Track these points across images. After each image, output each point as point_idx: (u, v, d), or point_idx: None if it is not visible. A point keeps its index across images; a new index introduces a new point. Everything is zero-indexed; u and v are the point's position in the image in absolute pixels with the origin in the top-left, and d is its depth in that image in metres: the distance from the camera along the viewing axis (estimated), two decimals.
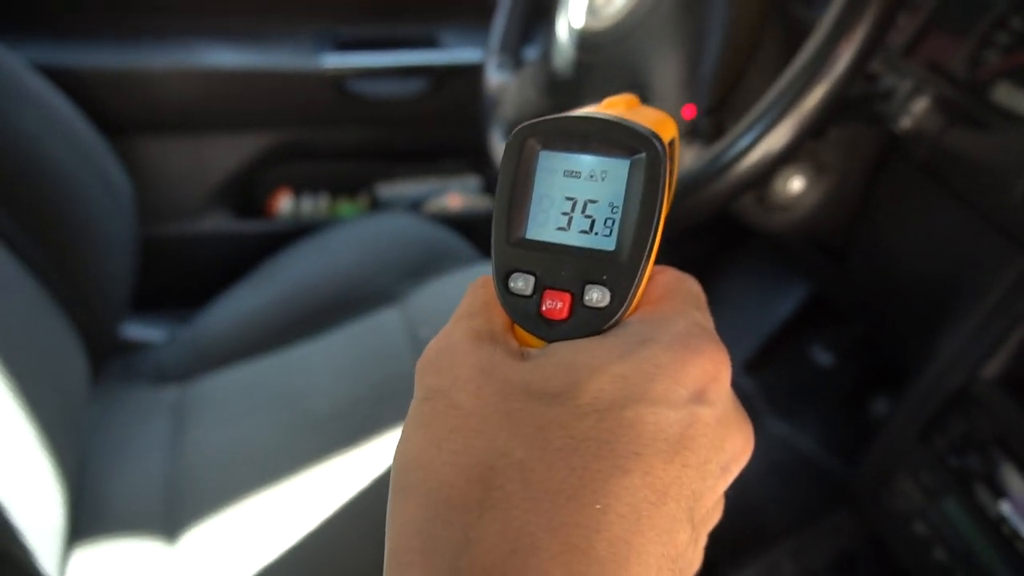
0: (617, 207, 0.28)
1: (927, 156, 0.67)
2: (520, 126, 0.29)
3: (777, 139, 0.52)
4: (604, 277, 0.28)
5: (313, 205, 1.35)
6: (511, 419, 0.25)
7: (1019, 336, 0.61)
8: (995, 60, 0.64)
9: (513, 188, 0.29)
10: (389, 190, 1.38)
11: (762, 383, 1.15)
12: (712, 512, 0.29)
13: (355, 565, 0.72)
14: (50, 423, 0.73)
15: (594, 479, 0.24)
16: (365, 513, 0.75)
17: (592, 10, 0.71)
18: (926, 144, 0.66)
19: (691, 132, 0.63)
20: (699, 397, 0.26)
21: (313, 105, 1.27)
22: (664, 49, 0.65)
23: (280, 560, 0.72)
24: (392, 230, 1.15)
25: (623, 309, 0.28)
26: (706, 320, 0.29)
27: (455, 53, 1.30)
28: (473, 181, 1.42)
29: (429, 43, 1.32)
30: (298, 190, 1.36)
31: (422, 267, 1.07)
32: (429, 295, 1.00)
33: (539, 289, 0.28)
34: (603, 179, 0.28)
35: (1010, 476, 0.61)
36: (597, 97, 0.69)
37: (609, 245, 0.28)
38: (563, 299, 0.28)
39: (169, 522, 0.77)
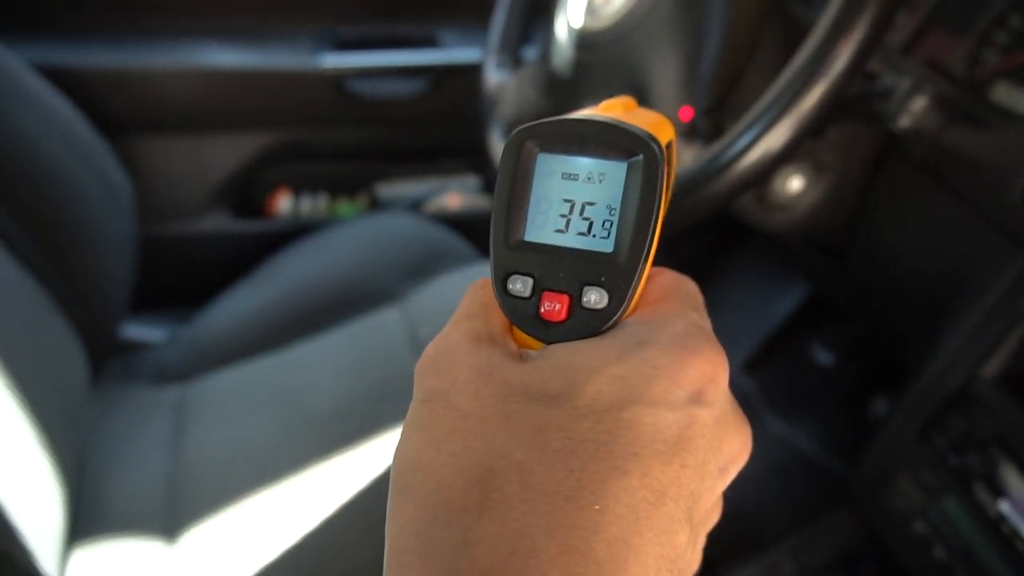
0: (615, 209, 0.28)
1: (926, 155, 0.67)
2: (518, 129, 0.29)
3: (776, 138, 0.52)
4: (602, 279, 0.28)
5: (312, 205, 1.35)
6: (510, 421, 0.25)
7: (1019, 335, 0.61)
8: (994, 59, 0.64)
9: (511, 190, 0.29)
10: (388, 190, 1.38)
11: (762, 382, 1.15)
12: (710, 513, 0.29)
13: (355, 564, 0.72)
14: (50, 423, 0.73)
15: (592, 480, 0.24)
16: (365, 513, 0.75)
17: (591, 10, 0.71)
18: (925, 143, 0.66)
19: (690, 132, 0.63)
20: (697, 398, 0.26)
21: (312, 105, 1.27)
22: (663, 49, 0.65)
23: (280, 560, 0.73)
24: (391, 230, 1.15)
25: (621, 311, 0.28)
26: (704, 321, 0.29)
27: (454, 53, 1.30)
28: (472, 181, 1.42)
29: (428, 43, 1.32)
30: (297, 190, 1.36)
31: (421, 267, 1.07)
32: (428, 295, 1.00)
33: (537, 291, 0.28)
34: (601, 181, 0.28)
35: (1009, 475, 0.61)
36: (596, 96, 0.70)
37: (607, 247, 0.28)
38: (561, 301, 0.28)
39: (169, 522, 0.77)
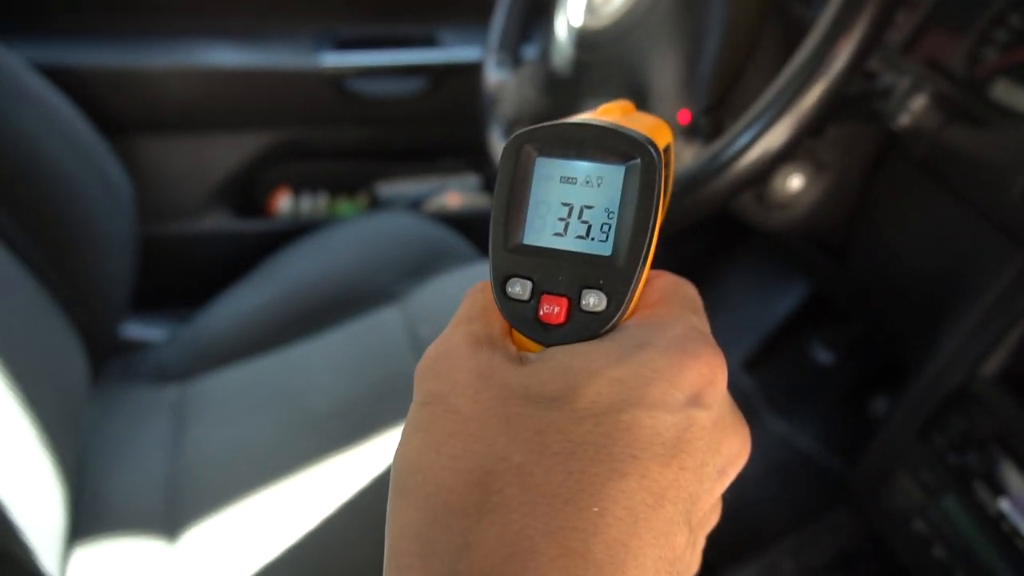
0: (613, 212, 0.28)
1: (926, 154, 0.67)
2: (516, 133, 0.29)
3: (776, 137, 0.52)
4: (601, 282, 0.28)
5: (312, 204, 1.35)
6: (509, 423, 0.25)
7: (1018, 334, 0.61)
8: (994, 57, 0.64)
9: (510, 194, 0.29)
10: (388, 189, 1.38)
11: (762, 381, 1.15)
12: (709, 515, 0.29)
13: (355, 564, 0.72)
14: (50, 422, 0.73)
15: (591, 482, 0.24)
16: (365, 512, 0.75)
17: (591, 9, 0.71)
18: (925, 141, 0.66)
19: (690, 131, 0.63)
20: (696, 401, 0.26)
21: (312, 104, 1.27)
22: (663, 48, 0.65)
23: (280, 559, 0.73)
24: (391, 229, 1.15)
25: (620, 313, 0.28)
26: (703, 324, 0.29)
27: (454, 52, 1.30)
28: (472, 180, 1.42)
29: (428, 42, 1.32)
30: (297, 189, 1.36)
31: (421, 266, 1.07)
32: (428, 294, 1.00)
33: (536, 294, 0.28)
34: (599, 185, 0.28)
35: (1009, 474, 0.61)
36: (596, 95, 0.70)
37: (605, 250, 0.28)
38: (560, 304, 0.28)
39: (169, 521, 0.77)
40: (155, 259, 1.20)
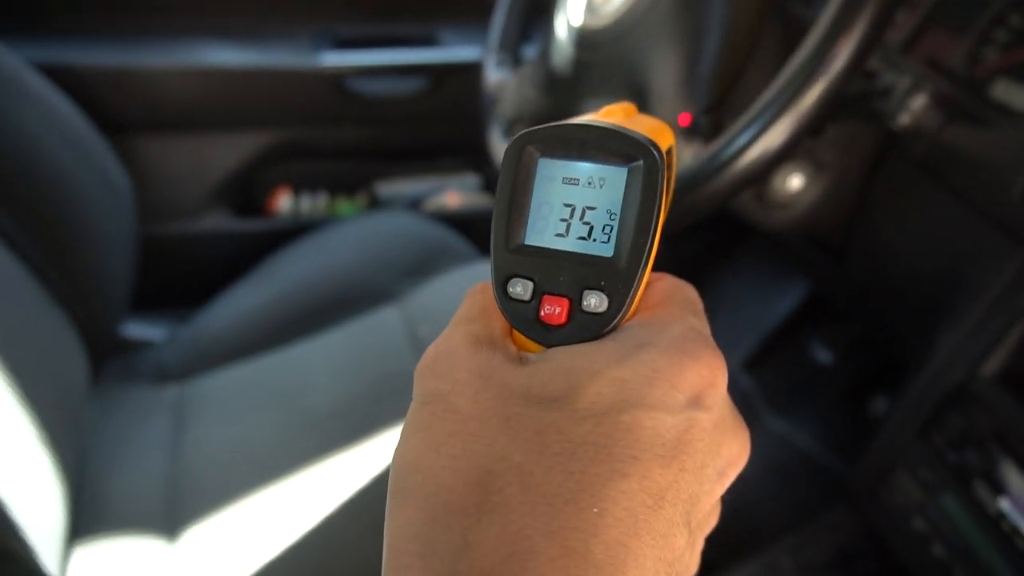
0: (615, 214, 0.28)
1: (925, 153, 0.67)
2: (519, 134, 0.29)
3: (775, 137, 0.52)
4: (602, 283, 0.28)
5: (312, 204, 1.35)
6: (509, 423, 0.25)
7: (1018, 333, 0.61)
8: (994, 57, 0.64)
9: (512, 195, 0.29)
10: (388, 188, 1.38)
11: (761, 381, 1.15)
12: (709, 516, 0.29)
13: (355, 563, 0.72)
14: (50, 422, 0.73)
15: (592, 483, 0.24)
16: (365, 511, 0.75)
17: (591, 8, 0.71)
18: (924, 141, 0.66)
19: (690, 130, 0.63)
20: (696, 402, 0.26)
21: (312, 104, 1.27)
22: (663, 47, 0.65)
23: (280, 558, 0.73)
24: (391, 228, 1.16)
25: (621, 314, 0.28)
26: (703, 326, 0.29)
27: (454, 52, 1.30)
28: (472, 179, 1.42)
29: (428, 42, 1.32)
30: (297, 189, 1.36)
31: (421, 265, 1.07)
32: (428, 293, 1.00)
33: (537, 294, 0.28)
34: (601, 186, 0.29)
35: (1009, 472, 0.61)
36: (596, 95, 0.70)
37: (607, 251, 0.28)
38: (561, 304, 0.28)
39: (170, 520, 0.77)
40: (155, 259, 1.20)
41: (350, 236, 1.14)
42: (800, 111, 0.52)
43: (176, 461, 0.82)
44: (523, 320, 0.29)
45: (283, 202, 1.34)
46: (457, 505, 0.24)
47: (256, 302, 1.05)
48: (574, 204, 0.29)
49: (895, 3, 0.51)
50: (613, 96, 0.67)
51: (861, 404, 1.07)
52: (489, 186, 1.41)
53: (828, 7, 0.51)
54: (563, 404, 0.25)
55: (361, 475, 0.77)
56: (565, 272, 0.28)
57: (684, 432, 0.25)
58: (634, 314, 0.29)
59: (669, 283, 0.31)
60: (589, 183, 0.29)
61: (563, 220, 0.29)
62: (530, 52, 0.87)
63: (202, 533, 0.75)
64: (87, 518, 0.77)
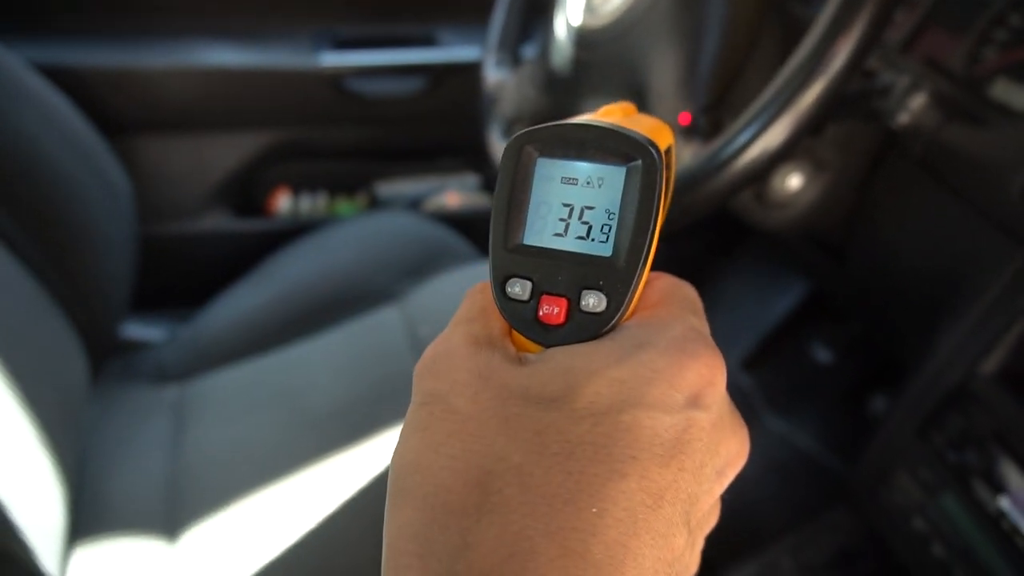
0: (614, 213, 0.28)
1: (924, 152, 0.67)
2: (517, 134, 0.29)
3: (775, 136, 0.52)
4: (600, 283, 0.28)
5: (312, 204, 1.35)
6: (508, 424, 0.25)
7: (1017, 332, 0.61)
8: (993, 56, 0.64)
9: (511, 194, 0.29)
10: (387, 188, 1.38)
11: (761, 381, 1.15)
12: (708, 516, 0.29)
13: (354, 563, 0.72)
14: (50, 422, 0.73)
15: (591, 483, 0.24)
16: (364, 512, 0.75)
17: (590, 8, 0.71)
18: (924, 140, 0.66)
19: (689, 129, 0.63)
20: (695, 401, 0.26)
21: (312, 104, 1.27)
22: (662, 47, 0.65)
23: (280, 558, 0.73)
24: (391, 228, 1.16)
25: (619, 314, 0.28)
26: (702, 325, 0.29)
27: (453, 51, 1.30)
28: (471, 179, 1.42)
29: (427, 42, 1.32)
30: (297, 189, 1.36)
31: (421, 265, 1.07)
32: (428, 293, 1.00)
33: (536, 294, 0.28)
34: (600, 186, 0.28)
35: (1008, 471, 0.61)
36: (595, 94, 0.70)
37: (606, 251, 0.28)
38: (560, 304, 0.28)
39: (170, 521, 0.77)
40: (155, 259, 1.20)
41: (350, 236, 1.14)
42: (799, 110, 0.52)
43: (176, 461, 0.82)
44: (522, 320, 0.29)
45: (283, 202, 1.34)
46: (456, 505, 0.24)
47: (256, 302, 1.05)
48: (572, 204, 0.29)
49: (894, 2, 0.51)
50: (613, 95, 0.67)
51: (861, 404, 1.07)
52: (489, 186, 1.41)
53: (827, 6, 0.51)
54: (562, 404, 0.25)
55: (361, 475, 0.77)
56: (564, 272, 0.28)
57: (683, 432, 0.25)
58: (633, 314, 0.29)
59: (668, 282, 0.31)
60: (588, 183, 0.29)
61: (562, 220, 0.29)
62: (529, 52, 0.87)
63: (202, 533, 0.75)
64: (87, 518, 0.77)
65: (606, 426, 0.24)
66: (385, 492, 0.26)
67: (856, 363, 1.12)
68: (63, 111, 0.95)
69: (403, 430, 0.27)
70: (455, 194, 1.39)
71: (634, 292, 0.28)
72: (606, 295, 0.28)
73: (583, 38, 0.71)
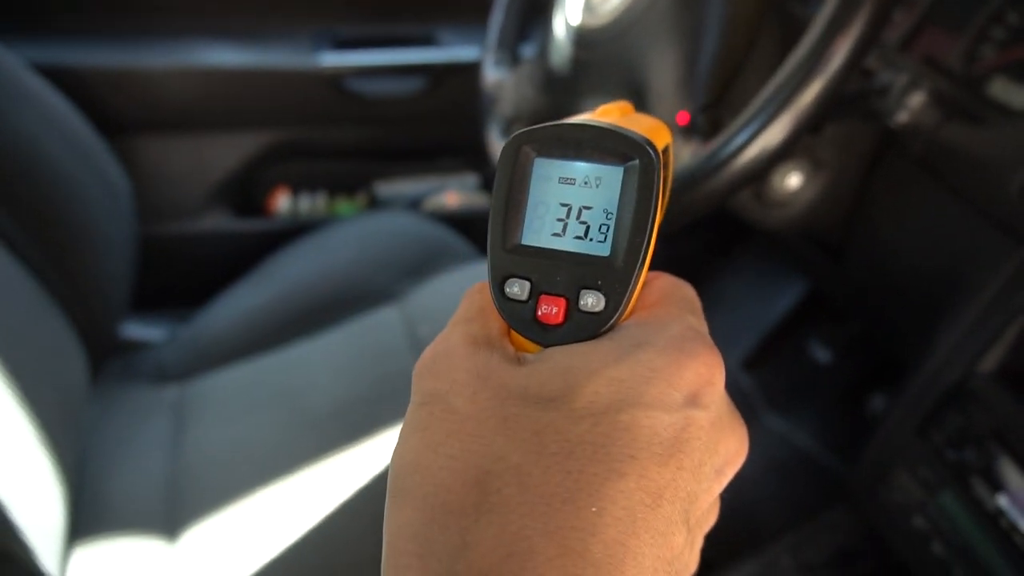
0: (611, 213, 0.28)
1: (923, 151, 0.67)
2: (515, 133, 0.29)
3: (774, 135, 0.52)
4: (599, 282, 0.28)
5: (311, 204, 1.35)
6: (507, 424, 0.25)
7: (1016, 330, 0.61)
8: (991, 55, 0.64)
9: (509, 194, 0.29)
10: (387, 188, 1.38)
11: (760, 380, 1.15)
12: (708, 514, 0.29)
13: (355, 562, 0.72)
14: (50, 422, 0.73)
15: (590, 482, 0.24)
16: (364, 511, 0.76)
17: (589, 7, 0.71)
18: (922, 139, 0.66)
19: (689, 129, 0.63)
20: (693, 400, 0.26)
21: (311, 104, 1.27)
22: (661, 46, 0.65)
23: (280, 558, 0.73)
24: (390, 228, 1.16)
25: (618, 314, 0.28)
26: (701, 325, 0.29)
27: (453, 51, 1.30)
28: (471, 179, 1.42)
29: (427, 41, 1.32)
30: (296, 189, 1.36)
31: (420, 265, 1.07)
32: (427, 293, 1.00)
33: (535, 294, 0.28)
34: (597, 186, 0.29)
35: (1007, 470, 0.61)
36: (594, 94, 0.70)
37: (604, 251, 0.28)
38: (558, 304, 0.28)
39: (170, 521, 0.77)
40: (155, 259, 1.20)
41: (350, 236, 1.14)
42: (798, 109, 0.52)
43: (176, 461, 0.82)
44: (520, 320, 0.29)
45: (282, 202, 1.34)
46: (455, 505, 0.24)
47: (256, 302, 1.05)
48: (570, 204, 0.29)
49: (893, 1, 0.51)
50: (611, 95, 0.67)
51: (860, 402, 1.07)
52: (488, 186, 1.41)
53: (826, 5, 0.51)
54: (561, 404, 0.25)
55: (361, 475, 0.77)
56: (562, 272, 0.28)
57: (681, 431, 0.25)
58: (631, 313, 0.29)
59: (667, 282, 0.31)
60: (585, 182, 0.29)
61: (560, 220, 0.29)
62: (528, 51, 0.87)
63: (202, 533, 0.75)
64: (87, 518, 0.77)
65: (605, 425, 0.25)
66: (385, 491, 0.27)
67: (855, 362, 1.12)
68: (63, 111, 0.95)
69: (402, 430, 0.27)
70: (454, 194, 1.39)
71: (632, 292, 0.28)
72: (604, 295, 0.28)
73: (582, 38, 0.71)
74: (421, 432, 0.26)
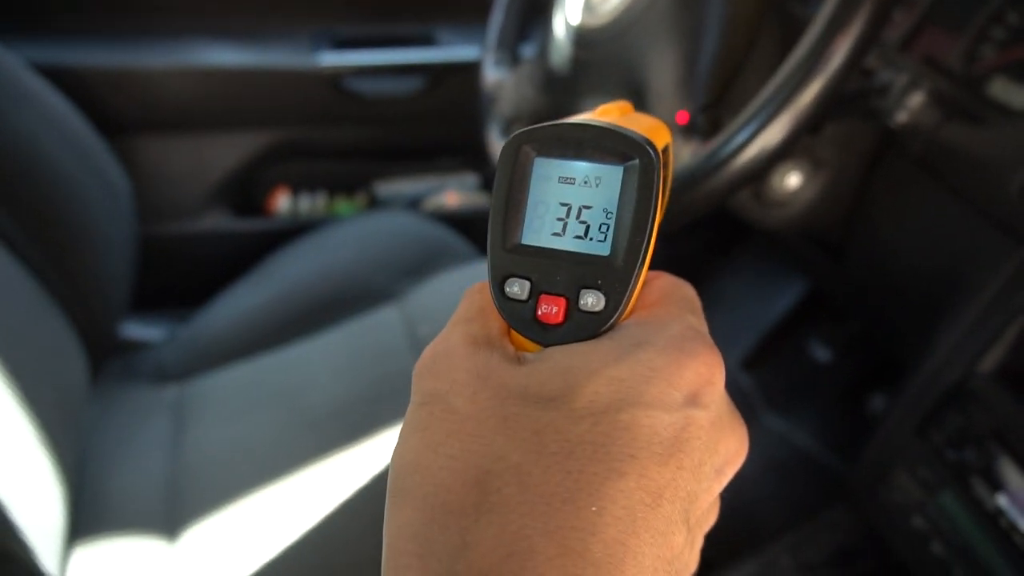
0: (611, 213, 0.28)
1: (923, 151, 0.67)
2: (515, 133, 0.29)
3: (773, 135, 0.52)
4: (599, 282, 0.28)
5: (311, 203, 1.35)
6: (507, 423, 0.25)
7: (1016, 330, 0.61)
8: (991, 55, 0.64)
9: (508, 194, 0.29)
10: (387, 188, 1.38)
11: (760, 379, 1.15)
12: (708, 514, 0.29)
13: (355, 562, 0.72)
14: (50, 422, 0.73)
15: (590, 482, 0.24)
16: (364, 511, 0.76)
17: (589, 7, 0.71)
18: (922, 139, 0.66)
19: (688, 128, 0.63)
20: (693, 400, 0.26)
21: (311, 104, 1.27)
22: (661, 46, 0.65)
23: (280, 558, 0.73)
24: (390, 228, 1.16)
25: (618, 313, 0.28)
26: (701, 324, 0.29)
27: (452, 51, 1.30)
28: (471, 179, 1.42)
29: (426, 41, 1.32)
30: (296, 188, 1.36)
31: (420, 265, 1.07)
32: (427, 293, 1.00)
33: (535, 294, 0.28)
34: (597, 185, 0.29)
35: (1007, 469, 0.61)
36: (594, 93, 0.70)
37: (604, 250, 0.28)
38: (558, 304, 0.28)
39: (169, 520, 0.77)
40: (154, 259, 1.20)
41: (349, 236, 1.14)
42: (798, 109, 0.52)
43: (176, 461, 0.82)
44: (520, 320, 0.29)
45: (282, 202, 1.34)
46: (455, 505, 0.24)
47: (256, 302, 1.05)
48: (570, 203, 0.29)
49: (892, 1, 0.51)
50: (611, 95, 0.67)
51: (859, 402, 1.07)
52: (488, 185, 1.41)
53: (826, 5, 0.51)
54: (561, 403, 0.25)
55: (360, 475, 0.77)
56: (562, 271, 0.28)
57: (681, 430, 0.25)
58: (631, 313, 0.29)
59: (667, 281, 0.31)
60: (585, 182, 0.29)
61: (559, 219, 0.29)
62: (528, 51, 0.87)
63: (202, 533, 0.75)
64: (87, 518, 0.77)
65: (605, 425, 0.24)
66: (385, 491, 0.26)
67: (855, 362, 1.12)
68: (62, 111, 0.95)
69: (402, 430, 0.27)
70: (454, 194, 1.39)
71: (632, 291, 0.28)
72: (604, 294, 0.28)
73: (582, 37, 0.71)
74: (421, 432, 0.26)
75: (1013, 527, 0.61)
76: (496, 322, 0.29)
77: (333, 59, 1.24)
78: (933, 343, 0.68)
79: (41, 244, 0.84)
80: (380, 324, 0.96)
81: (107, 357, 0.98)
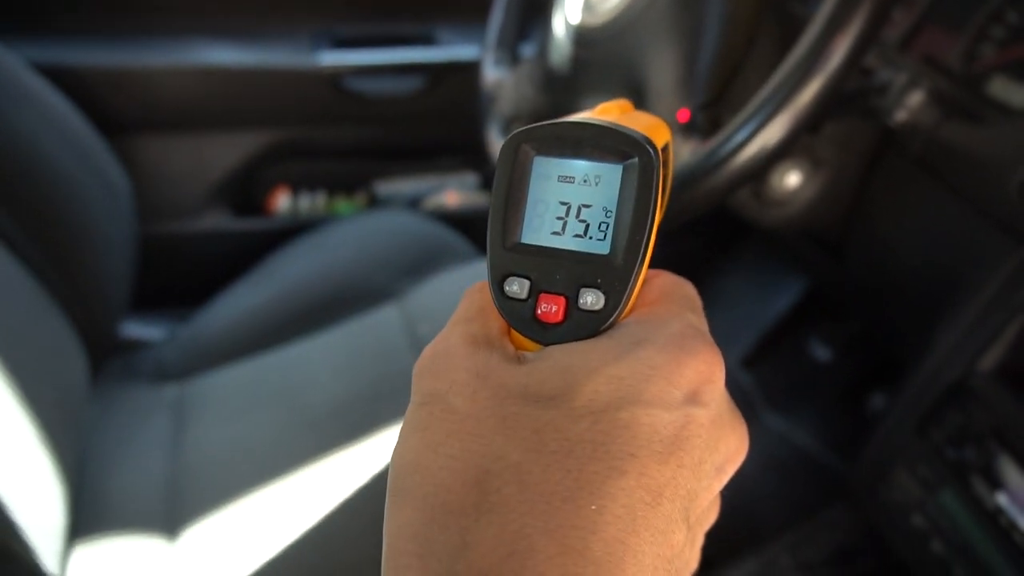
0: (611, 211, 0.28)
1: (922, 150, 0.67)
2: (514, 132, 0.29)
3: (773, 134, 0.52)
4: (599, 280, 0.28)
5: (311, 203, 1.35)
6: (507, 423, 0.25)
7: (1015, 329, 0.61)
8: (990, 54, 0.64)
9: (508, 193, 0.29)
10: (387, 187, 1.38)
11: (760, 378, 1.15)
12: (708, 512, 0.29)
13: (355, 562, 0.72)
14: (50, 421, 0.73)
15: (590, 481, 0.24)
16: (364, 510, 0.76)
17: (588, 6, 0.71)
18: (921, 138, 0.66)
19: (688, 127, 0.63)
20: (693, 398, 0.26)
21: (311, 103, 1.27)
22: (660, 45, 0.65)
23: (280, 557, 0.73)
24: (390, 227, 1.16)
25: (617, 312, 0.28)
26: (701, 322, 0.29)
27: (452, 50, 1.30)
28: (470, 178, 1.42)
29: (426, 41, 1.32)
30: (296, 188, 1.36)
31: (420, 264, 1.07)
32: (427, 292, 1.00)
33: (534, 293, 0.28)
34: (597, 184, 0.28)
35: (1007, 468, 0.61)
36: (594, 93, 0.70)
37: (603, 249, 0.28)
38: (558, 303, 0.28)
39: (170, 520, 0.77)
40: (154, 258, 1.20)
41: (349, 235, 1.14)
42: (797, 108, 0.52)
43: (176, 461, 0.82)
44: (520, 319, 0.29)
45: (282, 201, 1.34)
46: (455, 505, 0.24)
47: (256, 301, 1.05)
48: (570, 202, 0.29)
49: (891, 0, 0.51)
50: (611, 93, 0.67)
51: (859, 401, 1.07)
52: (487, 185, 1.41)
53: (825, 4, 0.51)
54: (560, 402, 0.25)
55: (360, 474, 0.77)
56: (562, 270, 0.28)
57: (681, 428, 0.25)
58: (631, 311, 0.29)
59: (667, 280, 0.31)
60: (585, 181, 0.29)
61: (559, 218, 0.29)
62: (528, 50, 0.87)
63: (202, 533, 0.75)
64: (87, 518, 0.77)
65: (605, 424, 0.24)
66: (385, 491, 0.26)
67: (855, 361, 1.12)
68: (62, 111, 0.95)
69: (402, 430, 0.27)
70: (454, 193, 1.39)
71: (632, 289, 0.28)
72: (604, 293, 0.28)
73: (582, 36, 0.71)
74: (421, 432, 0.26)
75: (1013, 525, 0.61)
76: (496, 321, 0.29)
77: (333, 59, 1.24)
78: (933, 342, 0.68)
79: (41, 244, 0.84)
80: (380, 323, 0.96)
81: (107, 357, 0.98)
